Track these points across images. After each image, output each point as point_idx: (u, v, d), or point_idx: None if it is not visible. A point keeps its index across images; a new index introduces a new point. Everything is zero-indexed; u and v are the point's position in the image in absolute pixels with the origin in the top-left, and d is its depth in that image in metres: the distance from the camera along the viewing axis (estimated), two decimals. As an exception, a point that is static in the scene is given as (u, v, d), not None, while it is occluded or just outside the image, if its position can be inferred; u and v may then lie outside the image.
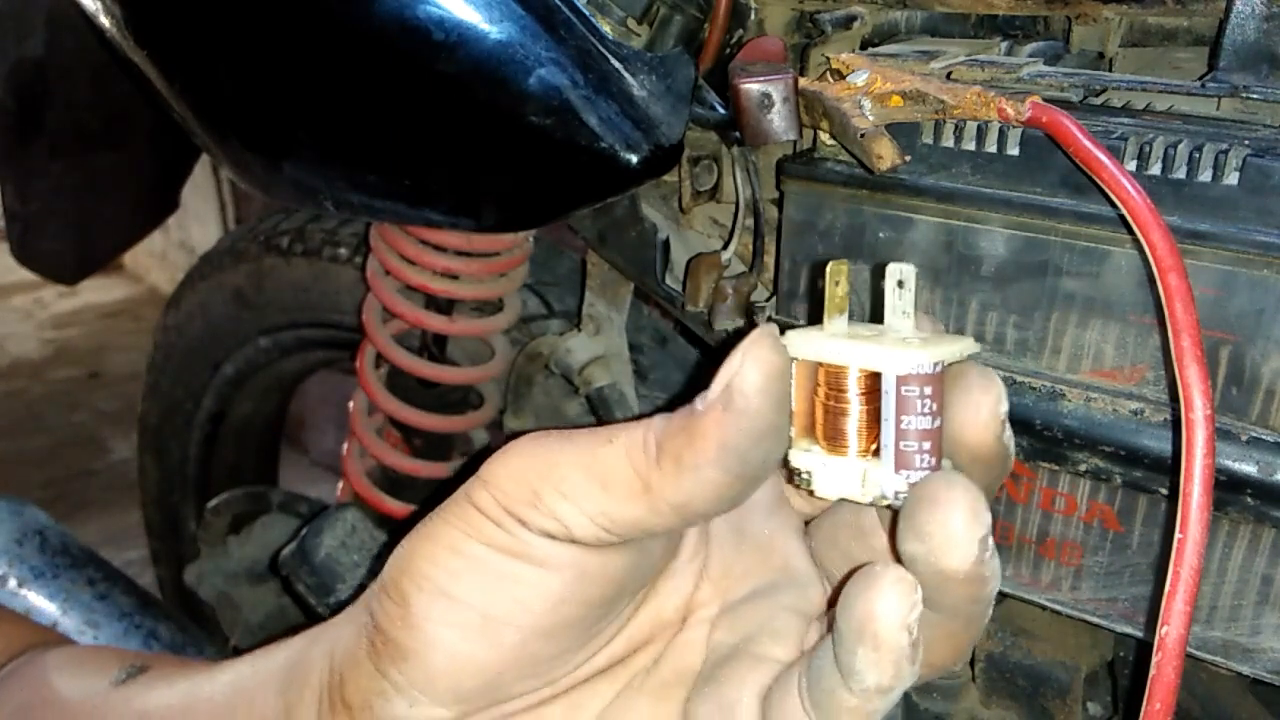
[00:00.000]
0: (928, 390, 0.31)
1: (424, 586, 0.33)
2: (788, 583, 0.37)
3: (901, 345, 0.31)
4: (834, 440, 0.32)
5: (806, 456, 0.33)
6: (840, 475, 0.32)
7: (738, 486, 0.31)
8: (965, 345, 0.33)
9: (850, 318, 0.34)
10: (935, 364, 0.31)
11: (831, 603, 0.37)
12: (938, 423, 0.31)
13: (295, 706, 0.37)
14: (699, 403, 0.31)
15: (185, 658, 0.48)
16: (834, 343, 0.32)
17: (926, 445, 0.31)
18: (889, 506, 0.32)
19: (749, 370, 0.30)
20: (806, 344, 0.32)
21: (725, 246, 0.62)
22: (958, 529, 0.29)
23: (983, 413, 0.32)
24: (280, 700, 0.37)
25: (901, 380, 0.30)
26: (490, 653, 0.33)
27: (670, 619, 0.38)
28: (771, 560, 0.37)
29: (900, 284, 0.33)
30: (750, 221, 0.60)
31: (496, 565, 0.32)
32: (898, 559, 0.31)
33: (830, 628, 0.31)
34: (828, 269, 0.33)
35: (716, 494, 0.31)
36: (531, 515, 0.32)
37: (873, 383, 0.32)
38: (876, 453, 0.32)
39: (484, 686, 0.34)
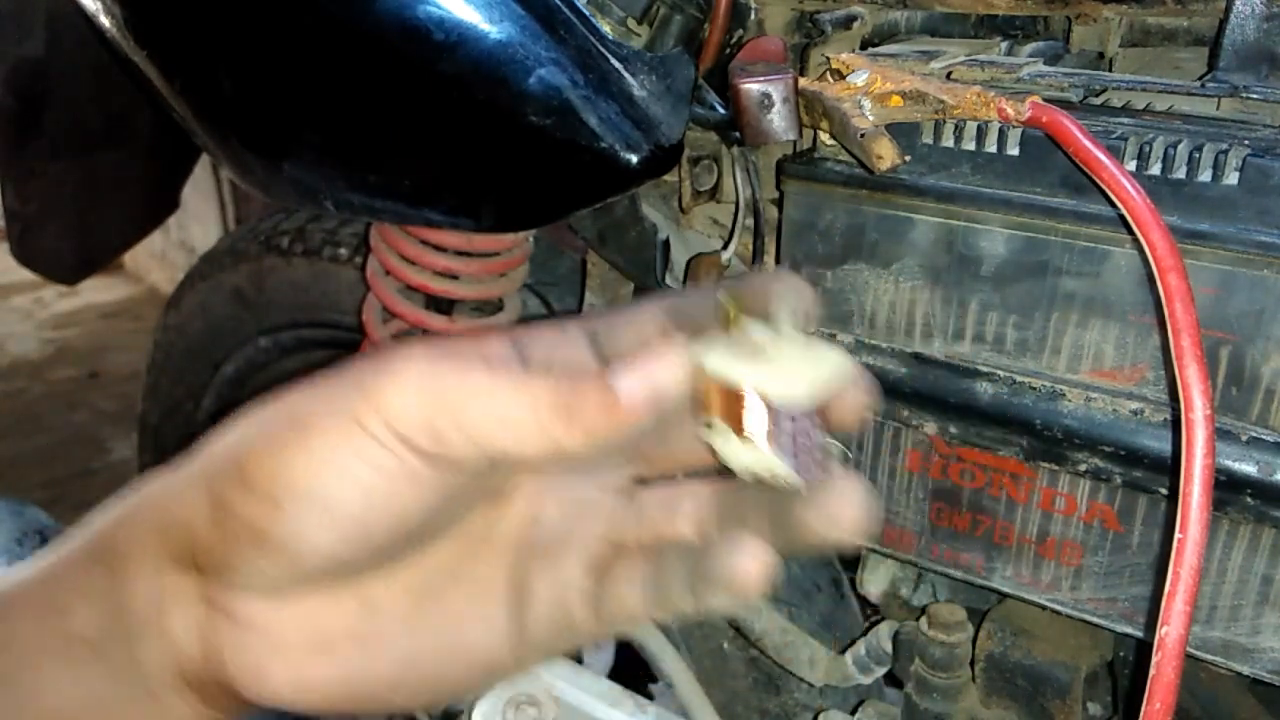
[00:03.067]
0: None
1: (301, 496, 0.34)
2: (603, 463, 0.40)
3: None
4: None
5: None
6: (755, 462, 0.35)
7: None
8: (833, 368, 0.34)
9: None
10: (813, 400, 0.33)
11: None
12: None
13: (123, 568, 0.37)
14: (622, 384, 0.33)
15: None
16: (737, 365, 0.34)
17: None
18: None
19: (664, 378, 0.33)
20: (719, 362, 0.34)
21: (725, 246, 0.62)
22: (859, 514, 0.34)
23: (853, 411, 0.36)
24: (100, 568, 0.37)
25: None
26: (359, 550, 0.35)
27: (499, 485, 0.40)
28: None
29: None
30: (750, 221, 0.60)
31: (381, 485, 0.34)
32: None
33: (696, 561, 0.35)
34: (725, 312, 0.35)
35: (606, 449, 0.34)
36: (425, 444, 0.33)
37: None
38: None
39: (343, 572, 0.36)
